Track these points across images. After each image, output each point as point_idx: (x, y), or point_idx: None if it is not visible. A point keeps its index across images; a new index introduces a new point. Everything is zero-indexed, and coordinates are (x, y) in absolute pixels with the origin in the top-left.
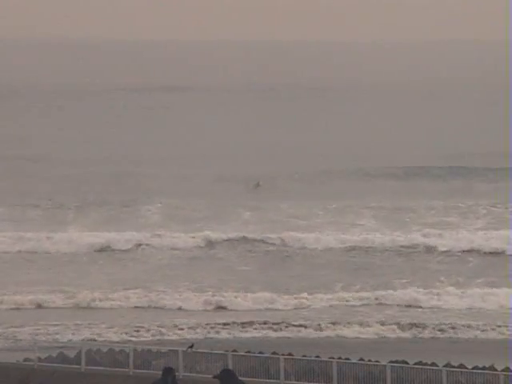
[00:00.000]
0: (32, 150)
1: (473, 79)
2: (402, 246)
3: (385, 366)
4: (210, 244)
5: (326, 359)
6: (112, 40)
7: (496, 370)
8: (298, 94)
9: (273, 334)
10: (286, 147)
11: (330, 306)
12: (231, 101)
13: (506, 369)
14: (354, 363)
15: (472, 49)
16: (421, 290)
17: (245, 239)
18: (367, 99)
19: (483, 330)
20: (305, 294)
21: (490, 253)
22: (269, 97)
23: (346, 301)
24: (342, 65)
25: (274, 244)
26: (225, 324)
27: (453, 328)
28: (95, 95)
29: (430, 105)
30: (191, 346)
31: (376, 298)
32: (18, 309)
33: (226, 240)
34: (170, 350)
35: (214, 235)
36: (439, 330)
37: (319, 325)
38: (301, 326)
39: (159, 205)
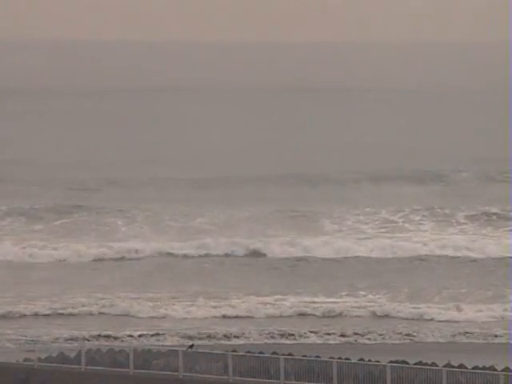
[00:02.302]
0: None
1: (473, 81)
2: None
3: (385, 365)
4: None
5: (326, 359)
6: (109, 41)
7: (496, 370)
8: (296, 95)
9: None
10: (281, 148)
11: None
12: (228, 101)
13: (506, 369)
14: (353, 363)
15: (472, 50)
16: None
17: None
18: (366, 100)
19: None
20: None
21: None
22: (267, 97)
23: None
24: (341, 66)
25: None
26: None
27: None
28: (91, 97)
29: (429, 106)
30: (191, 346)
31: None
32: None
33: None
34: (170, 350)
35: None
36: None
37: None
38: None
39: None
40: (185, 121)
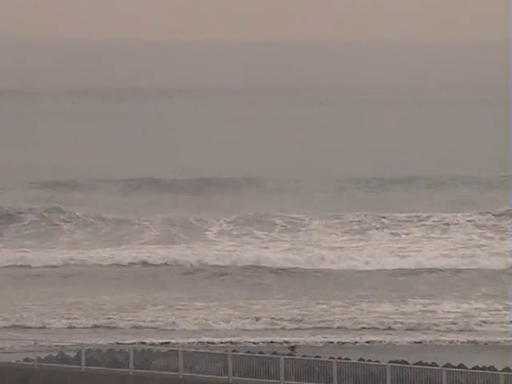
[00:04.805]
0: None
1: (472, 80)
2: None
3: (385, 365)
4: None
5: (326, 359)
6: (107, 40)
7: (496, 370)
8: (297, 96)
9: None
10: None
11: None
12: (228, 103)
13: (506, 369)
14: (353, 363)
15: (472, 50)
16: None
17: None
18: (366, 101)
19: None
20: None
21: None
22: (268, 98)
23: None
24: (340, 66)
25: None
26: None
27: None
28: (85, 97)
29: (427, 108)
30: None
31: None
32: None
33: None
34: (170, 350)
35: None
36: None
37: None
38: None
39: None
40: (184, 121)
